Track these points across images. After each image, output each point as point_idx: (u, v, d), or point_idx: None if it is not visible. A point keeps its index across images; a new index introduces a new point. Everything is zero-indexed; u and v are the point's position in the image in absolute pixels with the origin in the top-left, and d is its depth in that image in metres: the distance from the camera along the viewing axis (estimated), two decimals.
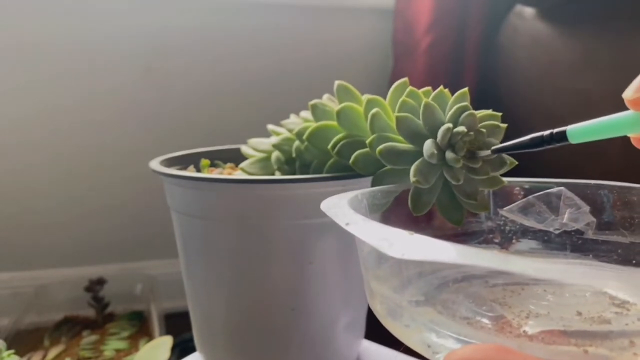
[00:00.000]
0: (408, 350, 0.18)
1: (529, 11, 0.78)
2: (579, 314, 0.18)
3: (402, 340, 0.18)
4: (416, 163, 0.24)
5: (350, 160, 0.27)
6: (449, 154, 0.23)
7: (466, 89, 0.25)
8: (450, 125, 0.23)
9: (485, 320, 0.18)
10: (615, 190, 0.26)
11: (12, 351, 0.35)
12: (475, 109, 0.24)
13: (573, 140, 0.20)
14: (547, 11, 0.76)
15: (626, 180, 0.26)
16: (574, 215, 0.25)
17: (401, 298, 0.19)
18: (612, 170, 0.65)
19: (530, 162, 0.29)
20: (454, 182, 0.24)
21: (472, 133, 0.23)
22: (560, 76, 0.73)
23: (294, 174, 0.33)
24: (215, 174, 0.38)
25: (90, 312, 0.85)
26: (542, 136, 0.21)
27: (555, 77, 0.74)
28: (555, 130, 0.20)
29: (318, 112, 0.31)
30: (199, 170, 0.39)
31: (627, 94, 0.17)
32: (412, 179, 0.23)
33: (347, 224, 0.18)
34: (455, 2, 0.87)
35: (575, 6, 0.72)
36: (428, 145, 0.23)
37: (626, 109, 0.18)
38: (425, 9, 0.87)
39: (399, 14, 0.91)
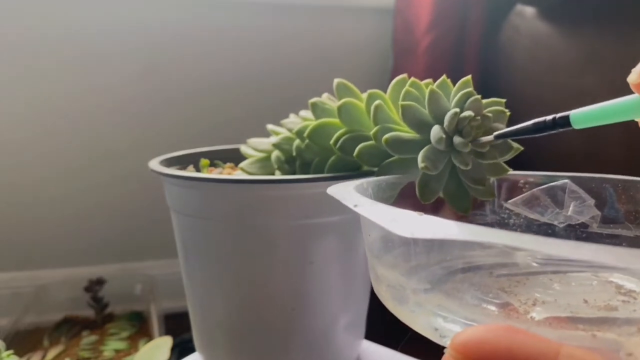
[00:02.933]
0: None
1: (529, 10, 0.78)
2: (586, 301, 0.18)
3: (408, 325, 0.18)
4: (424, 150, 0.24)
5: (355, 153, 0.27)
6: (457, 139, 0.23)
7: (469, 76, 0.25)
8: (458, 109, 0.23)
9: (491, 307, 0.18)
10: (620, 183, 0.26)
11: (11, 351, 0.34)
12: None
13: (576, 125, 0.19)
14: (548, 10, 0.76)
15: (628, 174, 0.26)
16: (578, 209, 0.25)
17: (407, 285, 0.19)
18: (614, 163, 0.65)
19: (536, 156, 0.28)
20: (462, 167, 0.24)
21: (478, 118, 0.23)
22: (560, 75, 0.73)
23: (294, 173, 0.33)
24: (214, 173, 0.38)
25: (89, 313, 0.85)
26: (544, 121, 0.20)
27: (555, 77, 0.74)
28: (559, 115, 0.20)
29: (318, 111, 0.31)
30: (198, 170, 0.39)
31: (632, 78, 0.17)
32: (420, 165, 0.23)
33: (355, 206, 0.17)
34: (455, 1, 0.87)
35: (576, 6, 0.72)
36: (435, 131, 0.23)
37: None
38: (426, 8, 0.87)
39: (399, 14, 0.91)
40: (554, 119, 0.20)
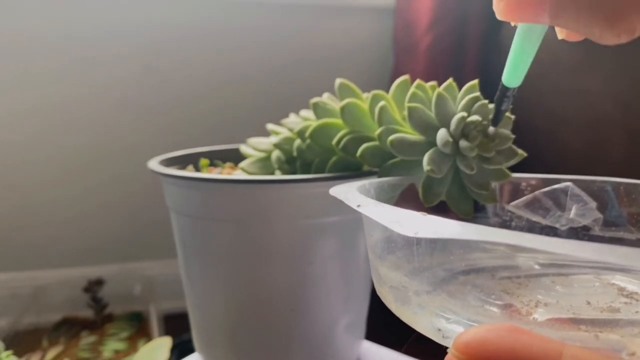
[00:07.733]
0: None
1: None
2: (588, 303, 0.18)
3: (411, 326, 0.18)
4: (429, 152, 0.24)
5: (358, 154, 0.27)
6: (463, 143, 0.23)
7: (476, 81, 0.25)
8: (465, 114, 0.23)
9: (494, 309, 0.18)
10: (622, 186, 0.26)
11: (10, 352, 0.34)
12: None
13: (511, 84, 0.21)
14: None
15: (628, 174, 0.26)
16: (580, 211, 0.25)
17: (410, 286, 0.19)
18: (614, 163, 0.65)
19: (537, 156, 0.28)
20: (467, 172, 0.24)
21: (485, 122, 0.23)
22: (561, 76, 0.73)
23: (294, 173, 0.33)
24: (214, 173, 0.38)
25: (89, 313, 0.85)
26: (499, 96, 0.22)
27: (556, 77, 0.74)
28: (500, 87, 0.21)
29: (319, 111, 0.31)
30: (198, 170, 0.39)
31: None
32: (425, 168, 0.23)
33: (358, 206, 0.17)
34: (455, 1, 0.87)
35: None
36: (442, 134, 0.24)
37: None
38: (426, 8, 0.87)
39: (399, 13, 0.91)
40: (500, 89, 0.21)
